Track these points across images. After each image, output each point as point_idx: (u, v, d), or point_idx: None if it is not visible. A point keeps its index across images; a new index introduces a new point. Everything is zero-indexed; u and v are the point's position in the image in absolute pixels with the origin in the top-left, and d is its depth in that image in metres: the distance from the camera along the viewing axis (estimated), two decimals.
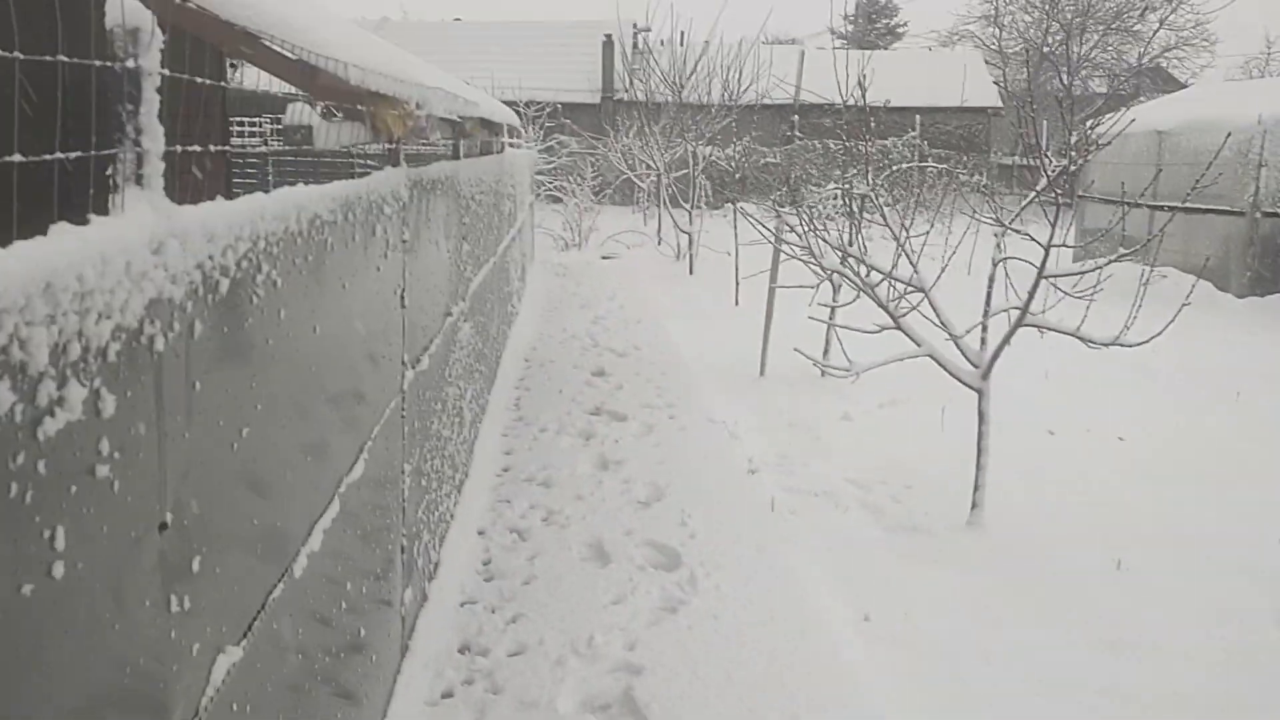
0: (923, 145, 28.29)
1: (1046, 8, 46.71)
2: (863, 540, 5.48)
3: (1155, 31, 46.48)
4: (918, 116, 28.85)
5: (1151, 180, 11.62)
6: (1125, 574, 5.07)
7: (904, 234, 5.55)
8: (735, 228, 13.59)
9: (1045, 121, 33.57)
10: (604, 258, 17.95)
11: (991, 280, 5.53)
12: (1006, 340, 5.34)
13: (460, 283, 5.75)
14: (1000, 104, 31.52)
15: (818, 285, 6.66)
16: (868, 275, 5.58)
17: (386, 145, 3.51)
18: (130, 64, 1.42)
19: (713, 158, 17.10)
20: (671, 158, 18.37)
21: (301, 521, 2.37)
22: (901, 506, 5.99)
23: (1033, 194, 5.53)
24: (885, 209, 5.80)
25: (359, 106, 3.08)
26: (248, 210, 1.86)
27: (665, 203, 18.47)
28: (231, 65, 2.87)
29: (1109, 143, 5.24)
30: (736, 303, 12.72)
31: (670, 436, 6.97)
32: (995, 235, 5.58)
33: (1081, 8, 46.16)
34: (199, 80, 1.75)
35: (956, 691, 3.96)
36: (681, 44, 19.34)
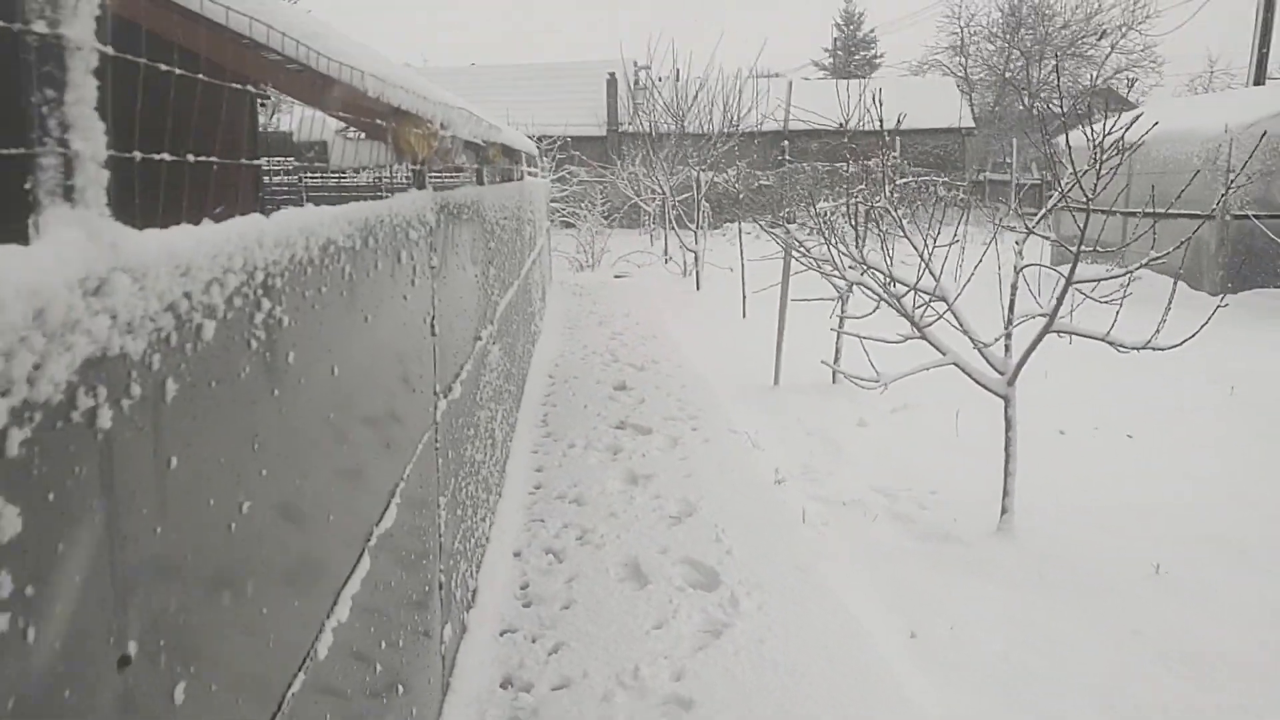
0: (904, 164, 27.74)
1: (1008, 37, 46.36)
2: (896, 551, 4.95)
3: (1107, 55, 46.01)
4: (898, 138, 28.33)
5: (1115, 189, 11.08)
6: (1167, 578, 4.53)
7: (927, 247, 5.02)
8: (741, 245, 13.07)
9: (1015, 140, 33.12)
10: (616, 277, 17.44)
11: (1014, 287, 5.01)
12: (1033, 347, 4.81)
13: (488, 306, 5.24)
14: (973, 124, 31.01)
15: (838, 298, 6.14)
16: (892, 287, 5.06)
17: (411, 167, 3.01)
18: (45, 31, 0.91)
19: (713, 181, 16.56)
20: (676, 182, 17.87)
21: (323, 597, 1.85)
22: (930, 514, 5.45)
23: (1054, 199, 5.01)
24: (904, 223, 5.27)
25: (379, 123, 2.57)
26: (239, 236, 1.35)
27: (672, 224, 17.96)
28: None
29: (1135, 148, 4.70)
30: (744, 315, 12.19)
31: (695, 449, 6.45)
32: (1016, 243, 5.05)
33: (1039, 36, 45.82)
34: (168, 70, 1.24)
35: None
36: (679, 79, 18.88)
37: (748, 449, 6.54)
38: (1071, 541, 4.99)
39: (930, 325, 4.99)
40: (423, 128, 2.87)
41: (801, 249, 7.12)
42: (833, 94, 27.51)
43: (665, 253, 19.88)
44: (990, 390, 5.02)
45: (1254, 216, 13.52)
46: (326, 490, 1.86)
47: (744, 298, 12.35)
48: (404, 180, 3.15)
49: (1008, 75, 47.22)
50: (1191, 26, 42.78)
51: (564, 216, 22.95)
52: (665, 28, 50.27)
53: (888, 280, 5.21)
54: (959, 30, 46.92)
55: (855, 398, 8.00)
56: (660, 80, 20.51)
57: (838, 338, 8.49)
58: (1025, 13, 46.90)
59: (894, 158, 28.12)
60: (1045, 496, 5.61)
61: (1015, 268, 5.00)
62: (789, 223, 8.56)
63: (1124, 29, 45.01)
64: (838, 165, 27.54)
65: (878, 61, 45.11)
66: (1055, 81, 47.74)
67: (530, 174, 10.82)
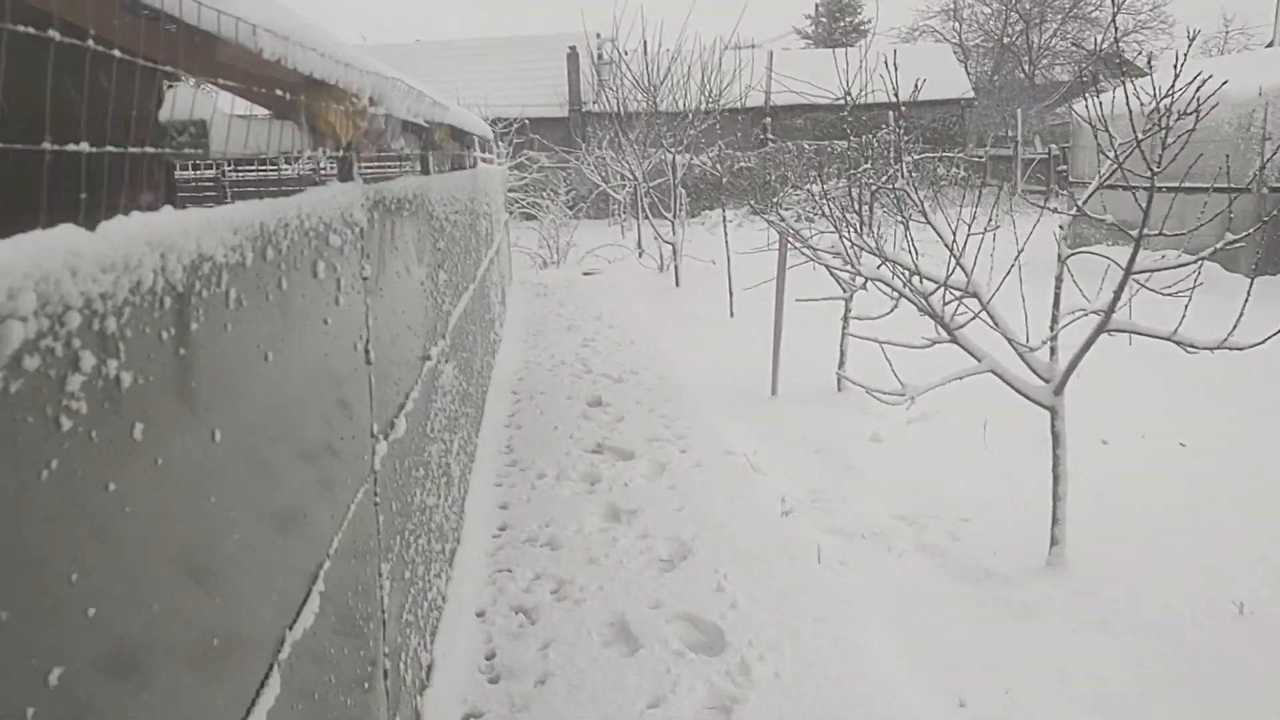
0: (900, 139, 27.51)
1: None
2: (930, 593, 4.60)
3: (1113, 17, 46.22)
4: (891, 112, 28.09)
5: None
6: (1252, 620, 4.20)
7: (955, 235, 4.67)
8: (725, 235, 12.72)
9: (1019, 110, 33.00)
10: (585, 274, 17.06)
11: (1059, 279, 4.67)
12: (1086, 349, 4.47)
13: (439, 318, 4.84)
14: (973, 94, 30.89)
15: (850, 295, 5.75)
16: (917, 283, 4.71)
17: (332, 154, 2.61)
18: None
19: (690, 164, 16.21)
20: (648, 167, 17.51)
21: None
22: (964, 546, 5.11)
23: (1107, 173, 4.68)
24: (926, 206, 4.91)
25: (285, 96, 2.17)
26: (30, 260, 0.96)
27: (645, 213, 17.60)
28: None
29: (1206, 112, 4.36)
30: (731, 314, 11.84)
31: (686, 475, 6.07)
32: (1061, 227, 4.71)
33: None
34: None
35: None
36: (648, 51, 18.53)
37: (747, 473, 6.17)
38: (1132, 575, 4.65)
39: (962, 328, 4.64)
40: (346, 103, 2.47)
41: (801, 239, 6.76)
42: (817, 64, 27.25)
43: (639, 245, 19.50)
44: (1034, 401, 4.68)
45: None
46: (201, 607, 1.46)
47: (731, 294, 12.00)
48: (326, 170, 2.74)
49: (1006, 41, 47.28)
50: None
51: (524, 208, 22.53)
52: None
53: (911, 275, 4.86)
54: None
55: (866, 408, 7.66)
56: (628, 54, 20.15)
57: (843, 340, 8.15)
58: None
59: (900, 132, 27.92)
60: (1093, 519, 5.28)
61: (1059, 256, 4.66)
62: (782, 208, 8.20)
63: None
64: (826, 142, 27.32)
65: (865, 28, 44.99)
66: (1055, 45, 48.00)
67: (485, 160, 10.42)
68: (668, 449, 6.63)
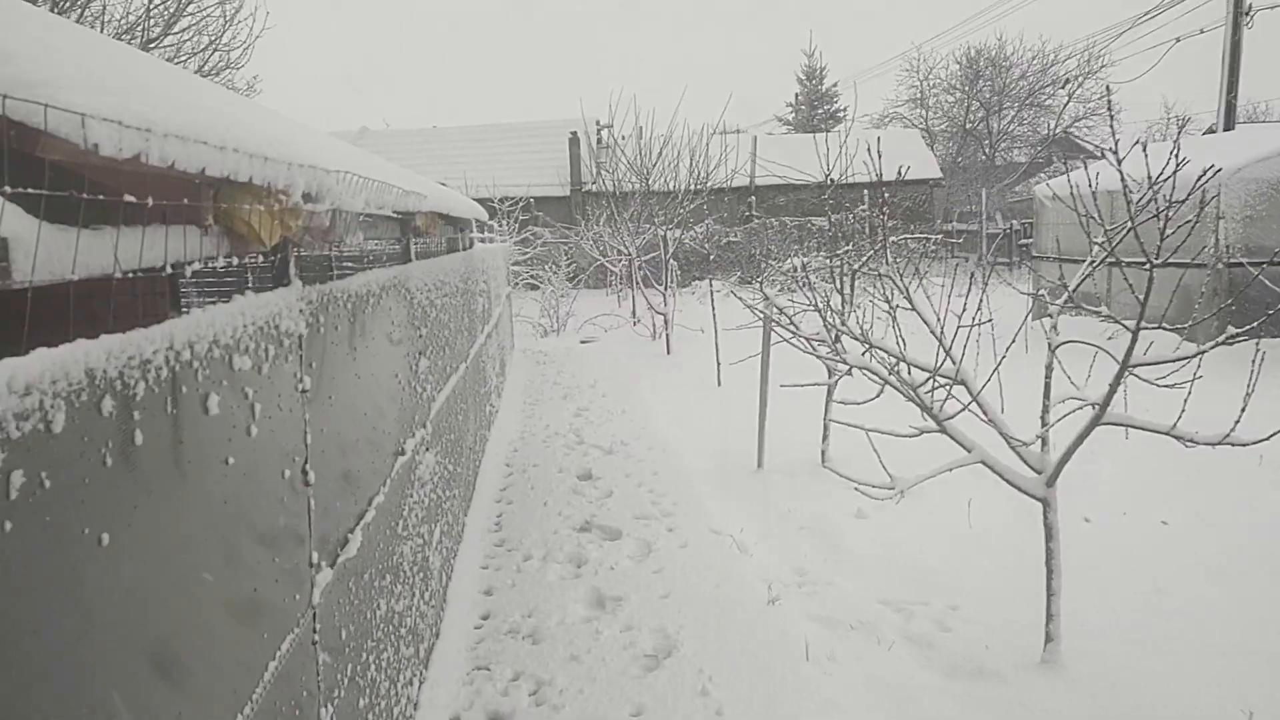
0: (874, 216, 27.26)
1: (966, 89, 46.58)
2: (921, 692, 4.03)
3: (1064, 105, 46.36)
4: (865, 191, 27.87)
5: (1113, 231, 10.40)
6: None
7: (941, 321, 4.18)
8: (713, 307, 12.26)
9: (984, 189, 32.87)
10: (583, 342, 16.56)
11: (1049, 369, 4.17)
12: (1080, 442, 3.96)
13: (419, 407, 4.32)
14: (940, 175, 30.70)
15: (835, 380, 5.22)
16: (904, 371, 4.20)
17: (258, 257, 2.11)
18: None
19: (680, 240, 15.81)
20: (642, 242, 17.12)
21: None
22: (954, 637, 4.54)
23: (1100, 258, 4.21)
24: (908, 287, 4.42)
25: (188, 201, 1.68)
26: None
27: (639, 285, 17.16)
28: None
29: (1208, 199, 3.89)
30: (719, 383, 11.33)
31: (672, 558, 5.51)
32: (1051, 314, 4.22)
33: (997, 87, 46.09)
34: None
35: None
36: (641, 136, 18.22)
37: (733, 554, 5.61)
38: (1132, 676, 4.09)
39: (952, 419, 4.13)
40: (269, 201, 1.98)
41: (786, 320, 6.27)
42: (798, 148, 27.05)
43: (633, 314, 19.06)
44: (1026, 493, 4.16)
45: (1246, 263, 12.90)
46: None
47: (719, 364, 11.49)
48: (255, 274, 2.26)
49: (968, 127, 47.45)
50: (1147, 75, 43.16)
51: (528, 280, 22.13)
52: (626, 85, 50.00)
53: (897, 362, 4.35)
54: (919, 84, 47.05)
55: (850, 483, 7.12)
56: (623, 139, 19.87)
57: (826, 415, 7.62)
58: (983, 65, 47.31)
59: (883, 213, 27.72)
60: (1091, 608, 4.74)
61: (1049, 344, 4.16)
62: (766, 282, 7.73)
63: (1080, 79, 45.39)
64: (807, 219, 27.04)
65: (841, 115, 45.07)
66: (1013, 130, 48.16)
67: (482, 240, 9.98)
68: (655, 527, 6.07)
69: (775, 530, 6.15)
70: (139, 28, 15.83)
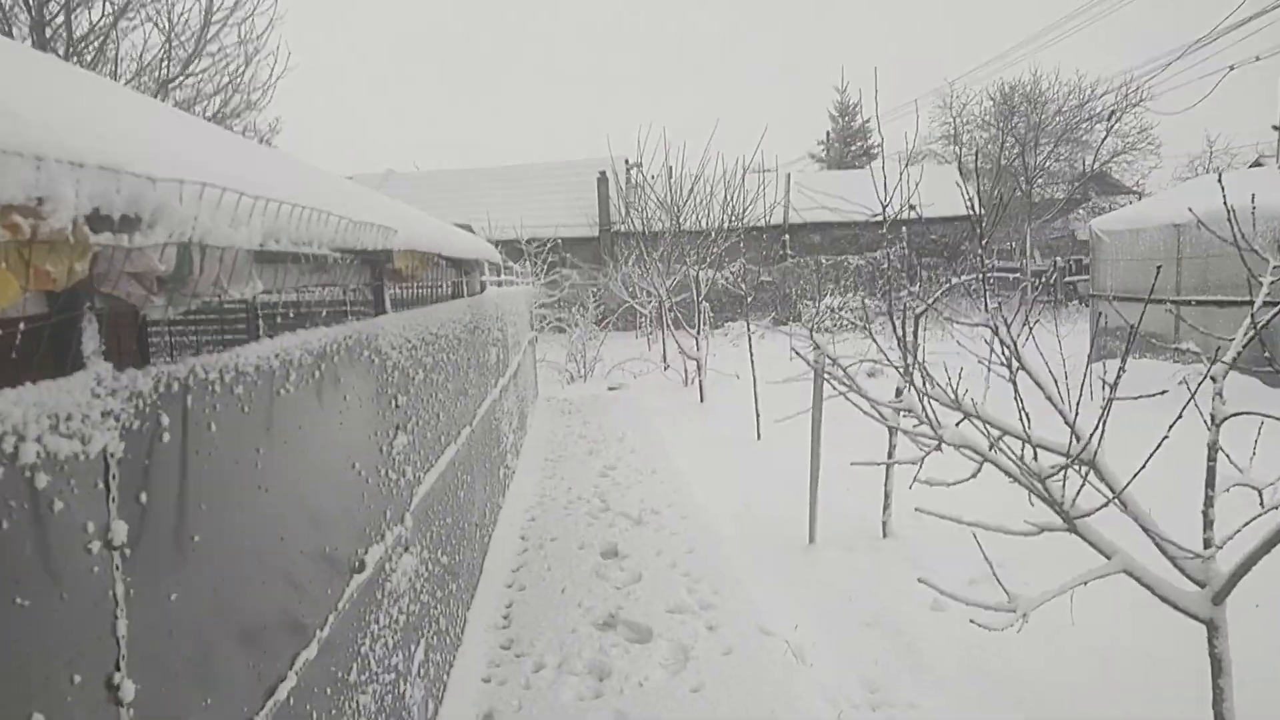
0: (912, 255, 26.24)
1: (1001, 124, 45.60)
2: None
3: (1103, 140, 45.26)
4: (904, 228, 26.89)
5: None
6: None
7: (1063, 391, 3.18)
8: (750, 353, 11.28)
9: (1028, 226, 31.81)
10: (610, 389, 15.61)
11: (1214, 449, 3.14)
12: (1267, 550, 2.92)
13: (393, 499, 3.37)
14: (981, 211, 29.68)
15: (923, 458, 4.18)
16: (1029, 456, 3.19)
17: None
18: None
19: (713, 280, 14.89)
20: (673, 283, 16.20)
21: None
22: None
23: (1264, 319, 3.20)
24: (1017, 346, 3.42)
25: None
26: None
27: (669, 327, 16.22)
28: None
29: None
30: (758, 436, 10.31)
31: (715, 669, 4.49)
32: (1214, 380, 3.20)
33: (1032, 123, 45.07)
34: None
35: None
36: (671, 176, 17.34)
37: (788, 665, 4.58)
38: None
39: (1088, 516, 3.11)
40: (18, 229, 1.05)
41: (840, 372, 5.27)
42: (833, 184, 26.14)
43: (664, 359, 18.11)
44: (1186, 612, 3.12)
45: None
46: None
47: (758, 415, 10.48)
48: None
49: (1003, 163, 46.46)
50: (1187, 105, 41.96)
51: (555, 323, 21.28)
52: (656, 123, 49.47)
53: (1000, 438, 3.35)
54: (952, 119, 46.14)
55: (919, 559, 6.08)
56: (654, 178, 19.05)
57: (887, 480, 6.60)
58: (1017, 100, 46.38)
59: (901, 248, 26.67)
60: None
61: (1213, 419, 3.14)
62: (808, 325, 6.75)
63: (1118, 114, 44.27)
64: (843, 258, 26.06)
65: (875, 151, 44.17)
66: (1049, 166, 47.08)
67: (497, 283, 9.09)
68: (692, 625, 5.06)
69: (836, 628, 5.11)
70: (157, 66, 15.27)
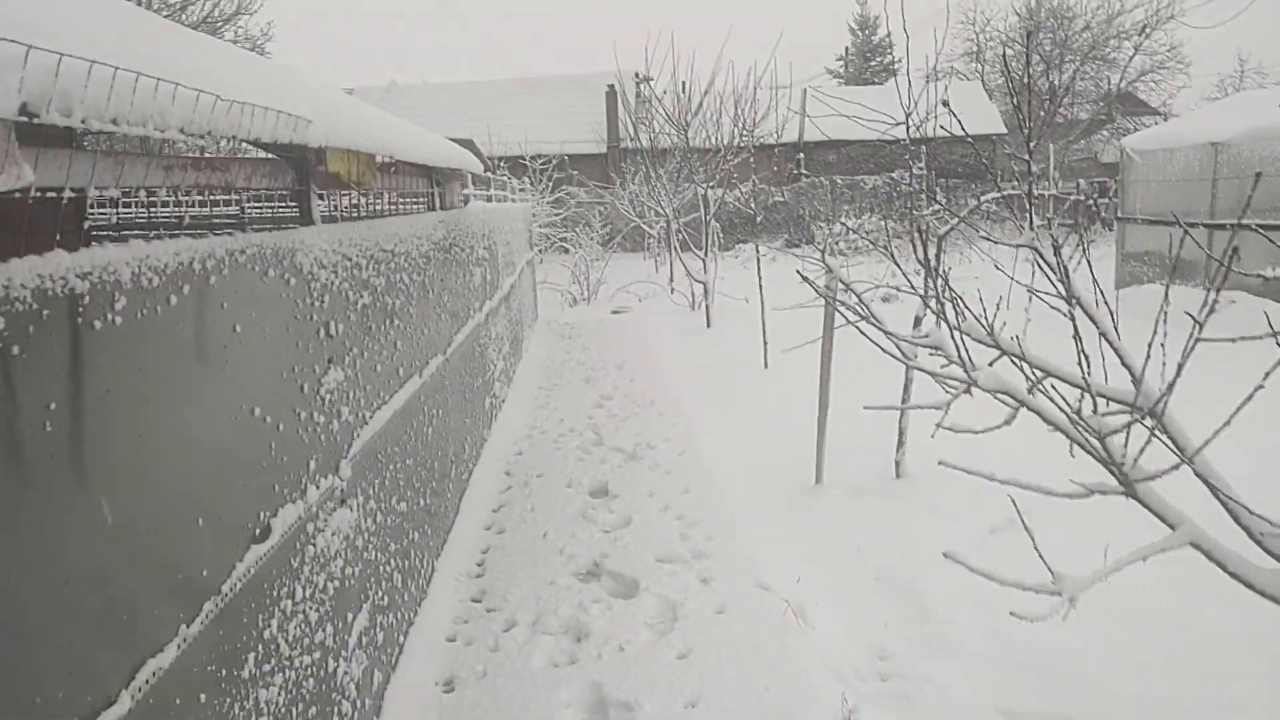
0: (931, 175, 25.32)
1: (1025, 42, 43.91)
2: None
3: (1131, 58, 43.57)
4: (923, 147, 25.91)
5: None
6: None
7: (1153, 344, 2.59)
8: (759, 277, 10.66)
9: (1051, 145, 30.74)
10: (614, 312, 15.03)
11: None
12: None
13: (321, 448, 2.84)
14: (1004, 130, 28.59)
15: (948, 404, 3.62)
16: (1085, 404, 2.62)
17: None
18: None
19: (723, 200, 14.17)
20: (680, 202, 15.47)
21: None
22: None
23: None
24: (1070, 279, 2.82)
25: None
26: None
27: (676, 250, 15.55)
28: None
29: None
30: (766, 365, 9.75)
31: (705, 631, 4.01)
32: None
33: (1058, 40, 43.40)
34: None
35: None
36: (682, 88, 16.40)
37: (788, 628, 4.10)
38: None
39: (1152, 480, 2.55)
40: None
41: (854, 299, 4.68)
42: (849, 102, 25.05)
43: (670, 281, 17.49)
44: (1264, 594, 2.59)
45: None
46: None
47: (765, 343, 9.91)
48: None
49: (1026, 82, 44.82)
50: (1218, 26, 40.34)
51: (559, 243, 20.62)
52: (667, 31, 47.74)
53: (1041, 379, 2.78)
54: (975, 36, 44.47)
55: (935, 505, 5.57)
56: (663, 94, 18.13)
57: (902, 416, 6.06)
58: (1043, 16, 44.59)
59: (920, 168, 25.70)
60: None
61: None
62: (825, 252, 6.12)
63: (1147, 30, 42.50)
64: (859, 178, 25.18)
65: (895, 67, 42.62)
66: (1075, 86, 45.52)
67: (486, 198, 8.45)
68: (683, 577, 4.57)
69: (843, 583, 4.62)
70: None
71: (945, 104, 3.49)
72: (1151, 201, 14.25)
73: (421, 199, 5.37)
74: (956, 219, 5.36)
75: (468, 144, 10.19)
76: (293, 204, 3.01)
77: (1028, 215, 3.05)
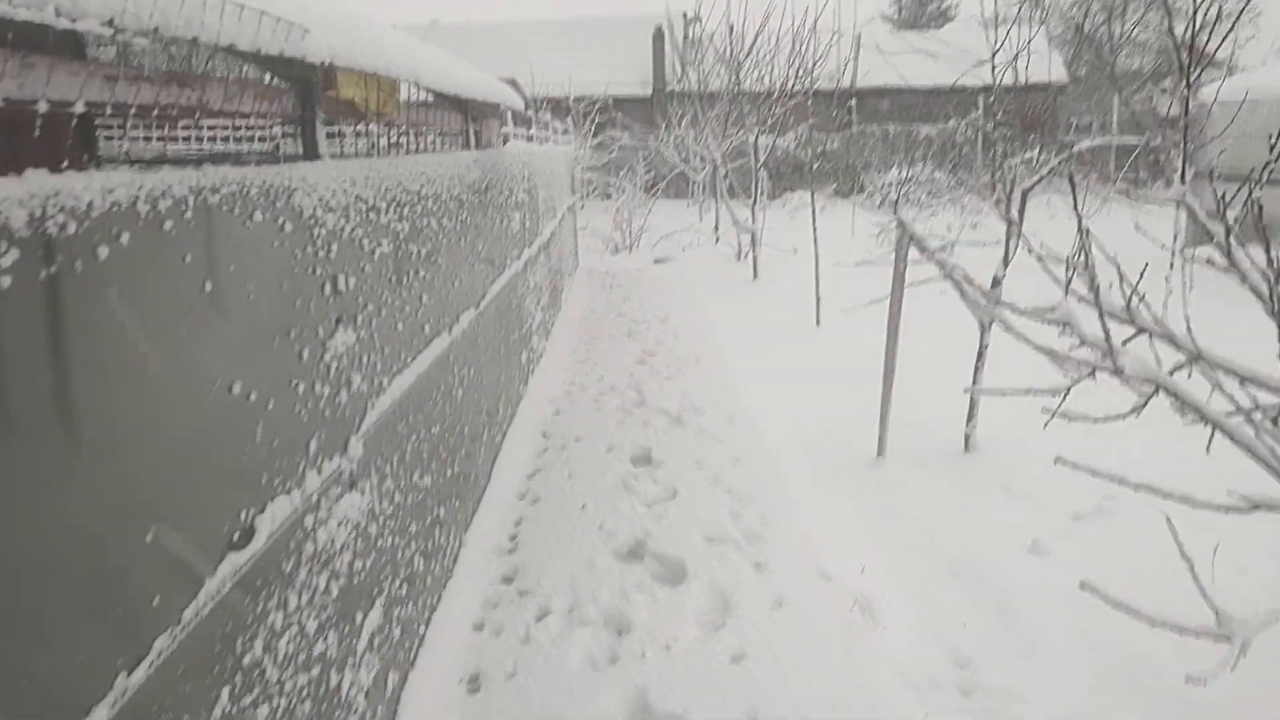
0: (988, 125, 24.29)
1: None
2: None
3: (1198, 5, 41.50)
4: (980, 96, 24.85)
5: None
6: None
7: None
8: (814, 227, 10.06)
9: (1116, 96, 29.44)
10: (657, 261, 14.49)
11: None
12: None
13: (325, 424, 2.40)
14: (1066, 79, 27.35)
15: (1072, 385, 3.09)
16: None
17: None
18: None
19: (774, 146, 13.51)
20: (729, 147, 14.80)
21: None
22: None
23: None
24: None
25: None
26: None
27: (724, 196, 14.96)
28: None
29: None
30: (817, 322, 9.21)
31: (760, 628, 3.56)
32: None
33: None
34: None
35: None
36: (732, 32, 15.60)
37: (854, 625, 3.64)
38: None
39: None
40: None
41: (959, 277, 4.14)
42: (904, 49, 24.03)
43: (716, 230, 16.88)
44: None
45: None
46: None
47: (818, 299, 9.35)
48: None
49: (1087, 30, 43.11)
50: None
51: (603, 188, 20.02)
52: None
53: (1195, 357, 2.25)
54: None
55: (1010, 484, 5.07)
56: (713, 35, 17.34)
57: (975, 379, 5.53)
58: None
59: (976, 117, 24.65)
60: None
61: None
62: (897, 205, 5.57)
63: None
64: (913, 127, 24.23)
65: (953, 13, 41.01)
66: (1138, 36, 43.65)
67: (527, 137, 7.93)
68: (735, 561, 4.12)
69: (913, 573, 4.14)
70: None
71: (1028, 47, 2.94)
72: (1230, 157, 13.38)
73: (455, 136, 4.87)
74: (1049, 167, 4.77)
75: (510, 83, 9.65)
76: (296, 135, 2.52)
77: (1182, 164, 2.50)
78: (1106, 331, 2.22)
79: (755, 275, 12.52)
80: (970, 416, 5.54)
